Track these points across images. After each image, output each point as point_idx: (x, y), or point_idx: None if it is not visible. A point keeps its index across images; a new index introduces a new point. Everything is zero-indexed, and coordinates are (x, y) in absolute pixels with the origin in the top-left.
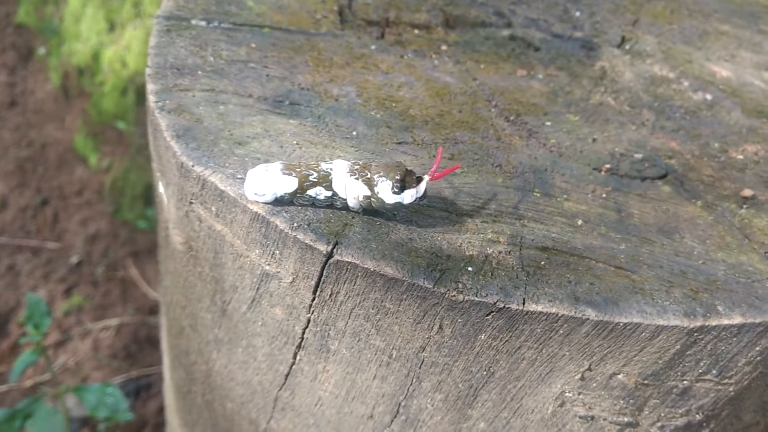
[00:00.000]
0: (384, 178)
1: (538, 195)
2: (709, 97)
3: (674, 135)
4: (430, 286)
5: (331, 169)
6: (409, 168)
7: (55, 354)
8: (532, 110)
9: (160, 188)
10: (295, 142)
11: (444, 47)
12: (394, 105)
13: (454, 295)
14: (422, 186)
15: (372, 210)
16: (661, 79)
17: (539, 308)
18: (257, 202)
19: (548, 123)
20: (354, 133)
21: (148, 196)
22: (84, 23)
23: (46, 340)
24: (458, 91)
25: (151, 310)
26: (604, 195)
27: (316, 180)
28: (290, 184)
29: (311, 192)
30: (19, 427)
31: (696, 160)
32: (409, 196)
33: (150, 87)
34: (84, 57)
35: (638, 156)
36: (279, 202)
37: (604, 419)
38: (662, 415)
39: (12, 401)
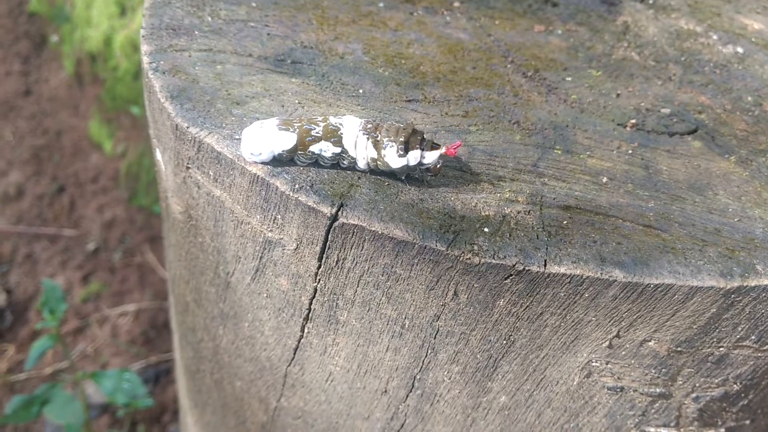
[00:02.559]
0: (391, 143)
1: (559, 152)
2: (740, 50)
3: (703, 89)
4: (443, 249)
5: (341, 124)
6: (417, 128)
7: (74, 341)
8: (551, 66)
9: (158, 155)
10: (297, 101)
11: (456, 4)
12: (403, 62)
13: (470, 258)
14: (433, 155)
15: (380, 171)
16: (688, 33)
17: (562, 270)
18: (255, 162)
19: (568, 78)
20: (360, 91)
21: None
22: (95, 8)
23: (63, 326)
24: (472, 48)
25: None
26: (630, 151)
27: (319, 135)
28: (288, 141)
29: (314, 148)
30: (36, 413)
31: (728, 115)
32: (413, 158)
33: (144, 48)
34: (96, 43)
35: (666, 111)
36: (278, 161)
37: (635, 390)
38: (697, 385)
39: (32, 388)
